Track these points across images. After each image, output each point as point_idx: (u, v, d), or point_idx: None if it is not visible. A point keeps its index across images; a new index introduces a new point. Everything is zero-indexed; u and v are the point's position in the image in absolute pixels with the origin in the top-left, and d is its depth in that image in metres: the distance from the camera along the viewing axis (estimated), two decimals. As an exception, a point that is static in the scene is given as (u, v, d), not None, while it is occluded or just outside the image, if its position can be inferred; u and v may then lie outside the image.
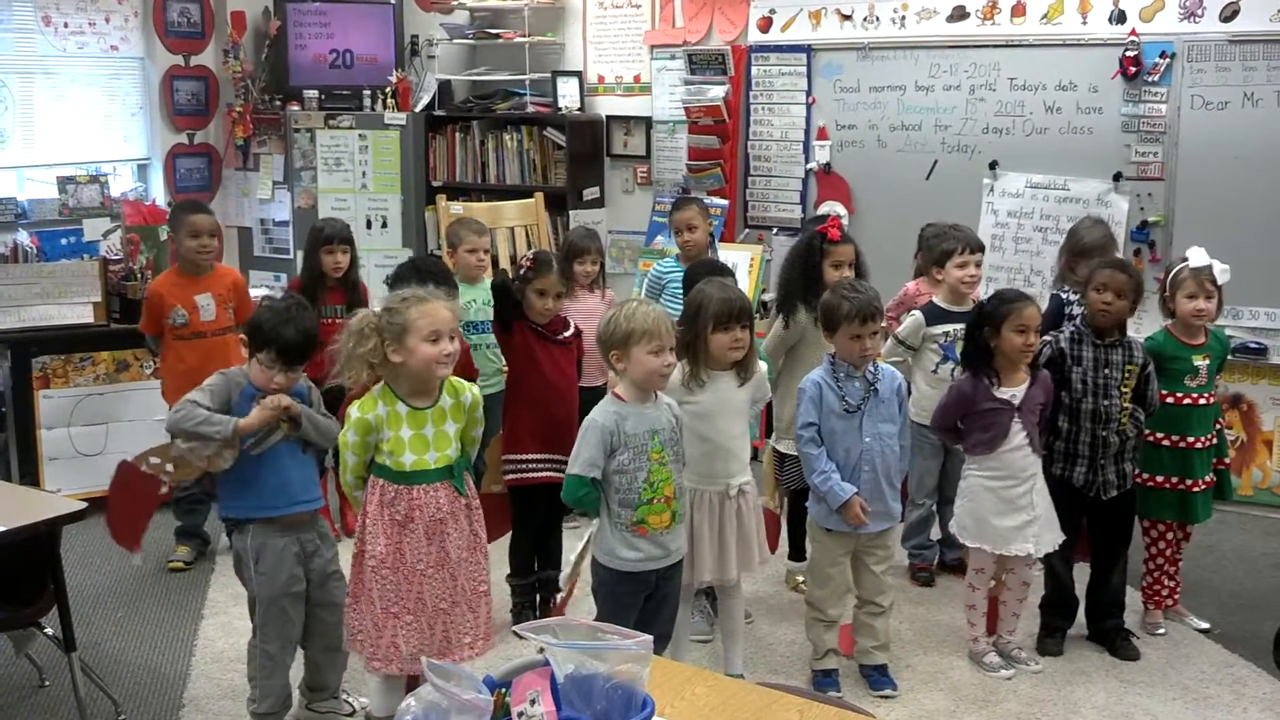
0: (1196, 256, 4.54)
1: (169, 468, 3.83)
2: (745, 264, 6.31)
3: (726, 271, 4.87)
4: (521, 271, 4.70)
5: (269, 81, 7.75)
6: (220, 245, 5.56)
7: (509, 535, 4.78)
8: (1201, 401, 4.56)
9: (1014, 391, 4.27)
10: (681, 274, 5.38)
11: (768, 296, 5.76)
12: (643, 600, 3.74)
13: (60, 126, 6.93)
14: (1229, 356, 4.99)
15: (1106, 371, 4.38)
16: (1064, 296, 5.08)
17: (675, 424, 3.74)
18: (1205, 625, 4.75)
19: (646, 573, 3.70)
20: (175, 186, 7.48)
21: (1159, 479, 4.58)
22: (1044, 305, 5.19)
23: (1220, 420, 4.77)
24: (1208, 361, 4.56)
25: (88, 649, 4.30)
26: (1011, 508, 4.28)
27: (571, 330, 4.71)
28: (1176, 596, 4.83)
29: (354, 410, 3.53)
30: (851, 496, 4.05)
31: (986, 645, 4.45)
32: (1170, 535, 4.72)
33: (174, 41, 7.42)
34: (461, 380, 3.70)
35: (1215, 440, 4.64)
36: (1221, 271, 4.50)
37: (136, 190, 7.17)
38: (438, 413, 3.57)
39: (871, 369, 4.13)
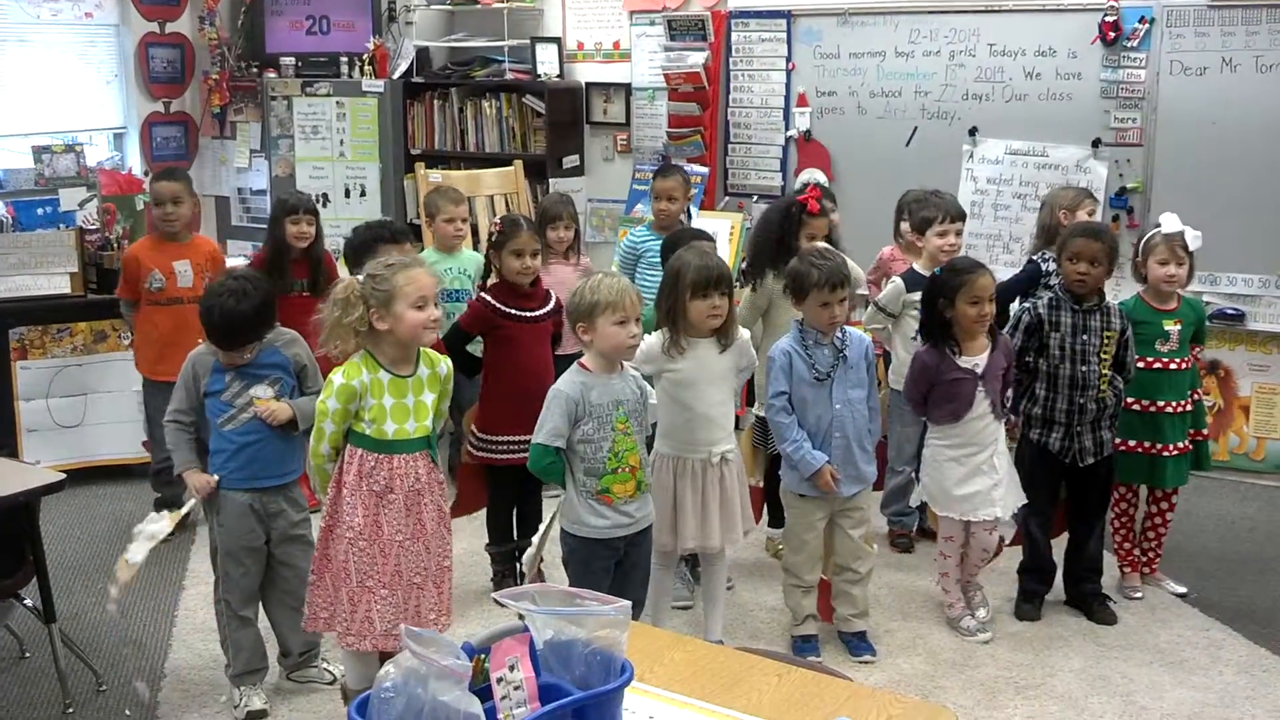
0: (1169, 222, 4.55)
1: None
2: (725, 232, 6.29)
3: (707, 239, 4.87)
4: (493, 237, 4.69)
5: (245, 49, 7.69)
6: (191, 213, 5.53)
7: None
8: (1173, 366, 4.58)
9: (976, 360, 4.29)
10: (657, 242, 5.38)
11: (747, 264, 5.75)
12: (613, 567, 3.77)
13: (35, 95, 6.87)
14: (1206, 323, 5.00)
15: (1085, 338, 4.39)
16: (1043, 265, 5.10)
17: (640, 395, 3.76)
18: (1182, 590, 4.79)
19: (615, 539, 3.72)
20: (152, 155, 7.43)
21: (1130, 443, 4.60)
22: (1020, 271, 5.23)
23: (1198, 390, 4.79)
24: (1179, 327, 4.58)
25: (68, 620, 4.30)
26: (975, 474, 4.30)
27: (551, 305, 4.67)
28: (1155, 565, 4.87)
29: (337, 377, 3.49)
30: (823, 465, 4.06)
31: (963, 610, 4.48)
32: (1132, 497, 4.76)
33: (149, 8, 7.35)
34: (434, 351, 3.70)
35: (1190, 406, 4.66)
36: (1194, 238, 4.51)
37: (113, 159, 7.11)
38: (416, 382, 3.56)
39: (840, 335, 4.14)
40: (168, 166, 6.35)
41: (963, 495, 4.31)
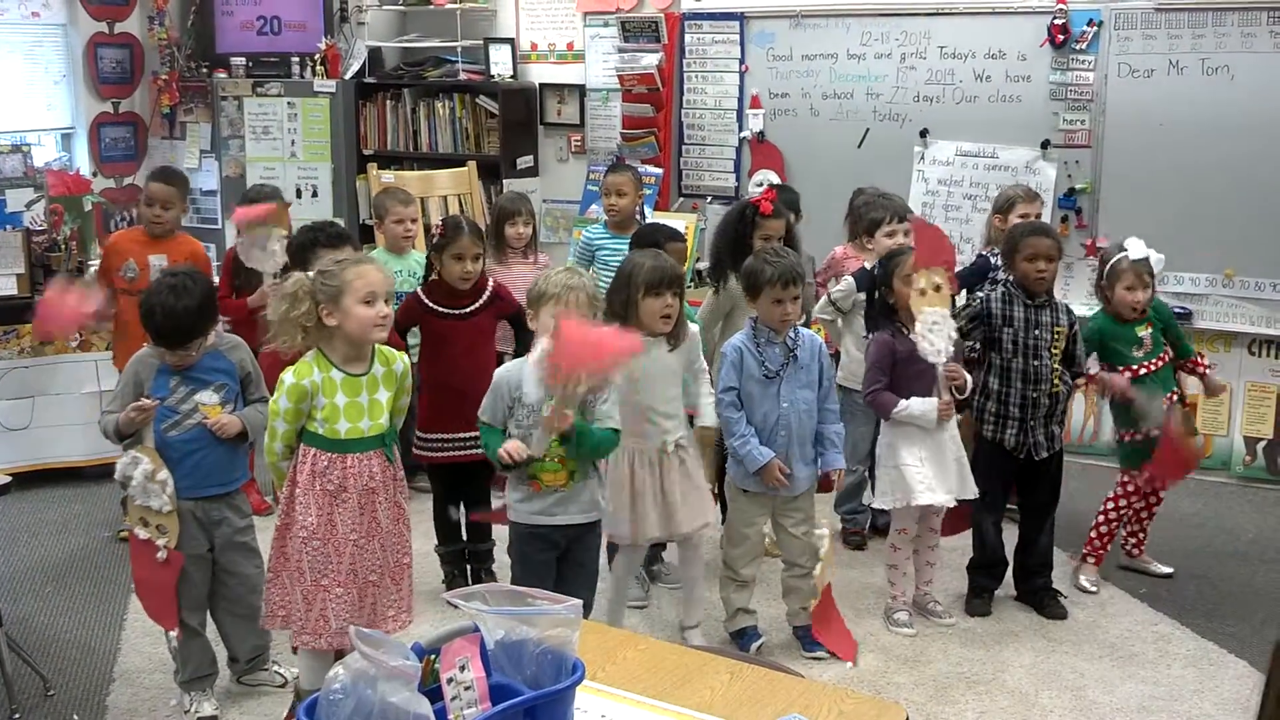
0: (1135, 248, 4.61)
1: (157, 530, 3.72)
2: (679, 233, 6.30)
3: (677, 236, 4.88)
4: (435, 240, 4.67)
5: (195, 48, 7.63)
6: (179, 218, 5.49)
7: (430, 507, 4.80)
8: (1152, 367, 4.66)
9: None
10: (611, 240, 5.40)
11: (702, 265, 5.76)
12: (555, 563, 3.78)
13: (-20, 95, 6.79)
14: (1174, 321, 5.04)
15: (1037, 333, 4.44)
16: (992, 259, 5.14)
17: None
18: (1169, 570, 4.94)
19: (550, 530, 3.73)
20: (100, 156, 7.36)
21: (1134, 433, 4.67)
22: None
23: (1175, 392, 4.80)
24: (1150, 330, 4.67)
25: (15, 625, 4.24)
26: (936, 455, 4.33)
27: (483, 299, 4.62)
28: (1142, 547, 4.99)
29: (288, 376, 3.46)
30: (770, 460, 4.08)
31: (903, 604, 4.52)
32: (1133, 486, 4.81)
33: (97, 8, 7.27)
34: (391, 349, 3.68)
35: (1177, 396, 4.75)
36: (1158, 261, 4.60)
37: (60, 160, 7.03)
38: (371, 380, 3.53)
39: (792, 334, 4.16)
40: (165, 168, 6.20)
41: (923, 479, 4.29)
